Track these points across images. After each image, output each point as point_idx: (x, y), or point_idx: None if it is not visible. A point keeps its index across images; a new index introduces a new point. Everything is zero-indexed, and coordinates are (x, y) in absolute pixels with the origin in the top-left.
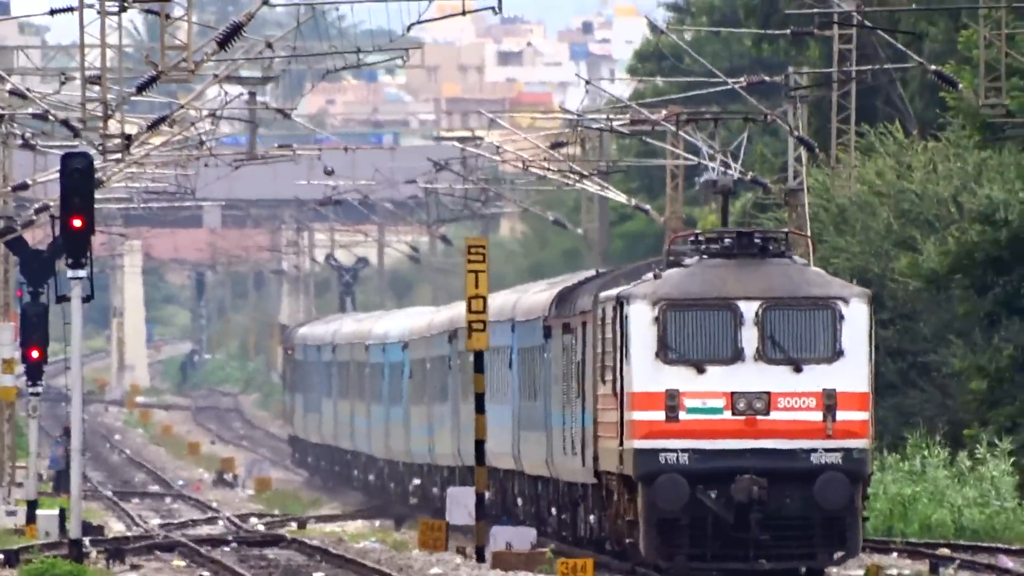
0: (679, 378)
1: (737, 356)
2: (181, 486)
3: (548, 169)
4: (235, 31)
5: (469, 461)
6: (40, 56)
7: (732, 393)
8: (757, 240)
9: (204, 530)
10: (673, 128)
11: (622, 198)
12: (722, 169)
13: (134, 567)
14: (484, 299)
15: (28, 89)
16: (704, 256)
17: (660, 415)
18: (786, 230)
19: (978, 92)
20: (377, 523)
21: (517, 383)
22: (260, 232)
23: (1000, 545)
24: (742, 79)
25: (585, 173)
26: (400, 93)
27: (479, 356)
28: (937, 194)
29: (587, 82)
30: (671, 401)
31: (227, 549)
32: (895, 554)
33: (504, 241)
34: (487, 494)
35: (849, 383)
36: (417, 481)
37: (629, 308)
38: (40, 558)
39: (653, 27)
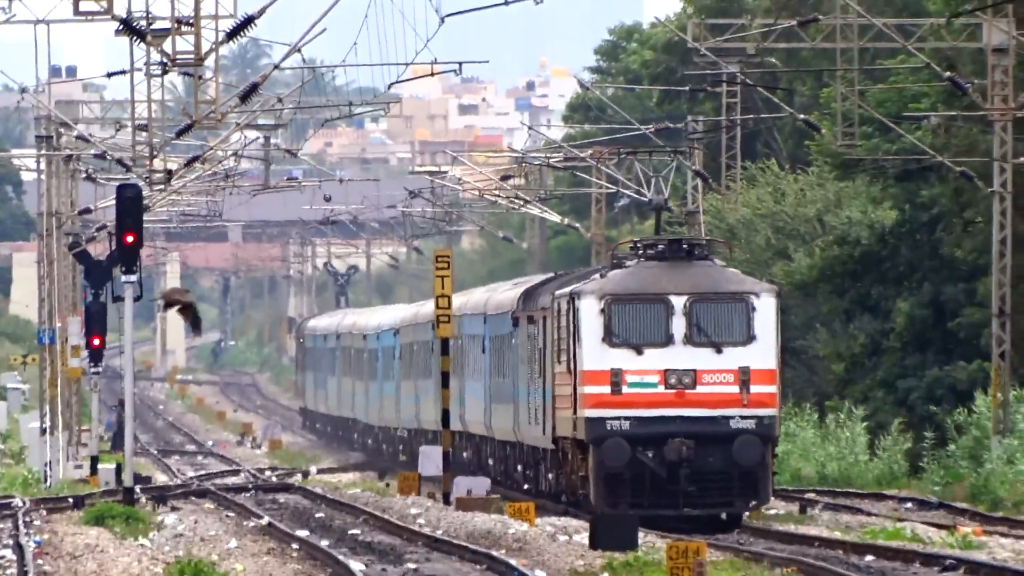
0: (621, 359)
1: (669, 340)
2: (211, 445)
3: (499, 196)
4: (253, 89)
5: (453, 425)
6: (99, 109)
7: (665, 371)
8: (685, 246)
9: (229, 480)
10: (596, 164)
11: (557, 218)
12: (656, 193)
13: (174, 509)
14: (449, 298)
15: (90, 135)
16: (642, 259)
17: (606, 389)
18: (708, 238)
19: (836, 136)
20: (364, 475)
21: (489, 364)
22: (273, 246)
23: (853, 490)
24: (651, 126)
25: (528, 199)
26: (382, 137)
27: (445, 342)
28: (805, 215)
29: (529, 128)
30: (615, 378)
31: (246, 495)
32: (772, 499)
33: (465, 252)
34: (466, 454)
35: (760, 362)
36: (404, 435)
37: (580, 302)
38: (101, 502)
39: (582, 85)
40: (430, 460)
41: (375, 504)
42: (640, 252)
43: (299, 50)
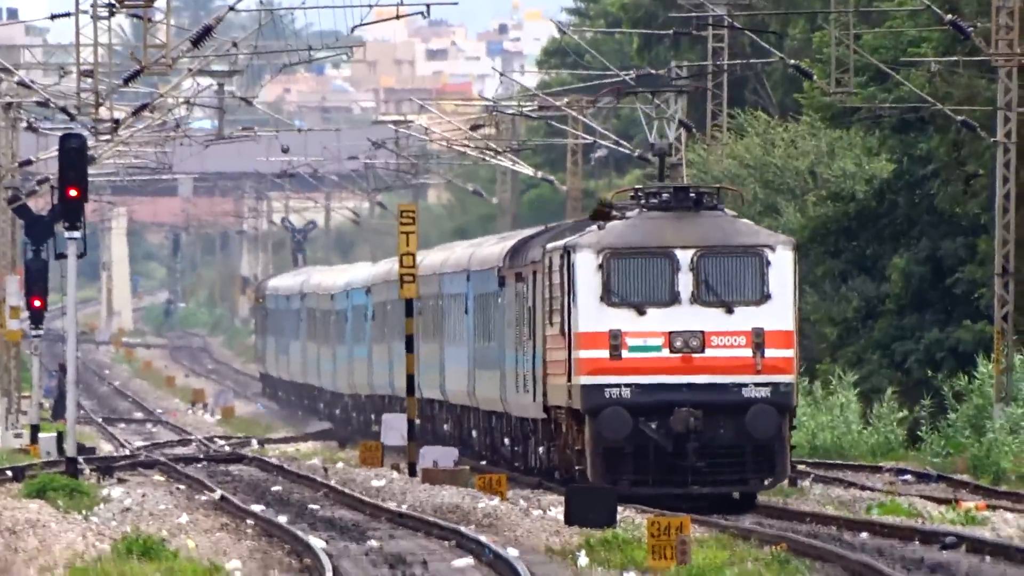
0: (621, 319)
1: (674, 299)
2: (160, 413)
3: (468, 147)
4: (206, 32)
5: (428, 393)
6: (42, 53)
7: (670, 333)
8: (692, 194)
9: (179, 450)
10: (574, 113)
11: (530, 171)
12: (659, 136)
13: (121, 481)
14: (413, 255)
15: (32, 81)
16: (644, 209)
17: (605, 353)
18: (718, 185)
19: (829, 83)
20: (325, 444)
21: (472, 327)
22: (226, 200)
23: (847, 462)
24: (632, 72)
25: (499, 150)
26: (344, 84)
27: (409, 303)
28: (796, 167)
29: (501, 74)
30: (614, 340)
31: (198, 466)
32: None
33: (431, 207)
34: (447, 427)
35: (776, 323)
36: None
37: (576, 256)
38: (42, 474)
39: (559, 28)
40: (393, 429)
41: (337, 476)
42: (642, 201)
43: None
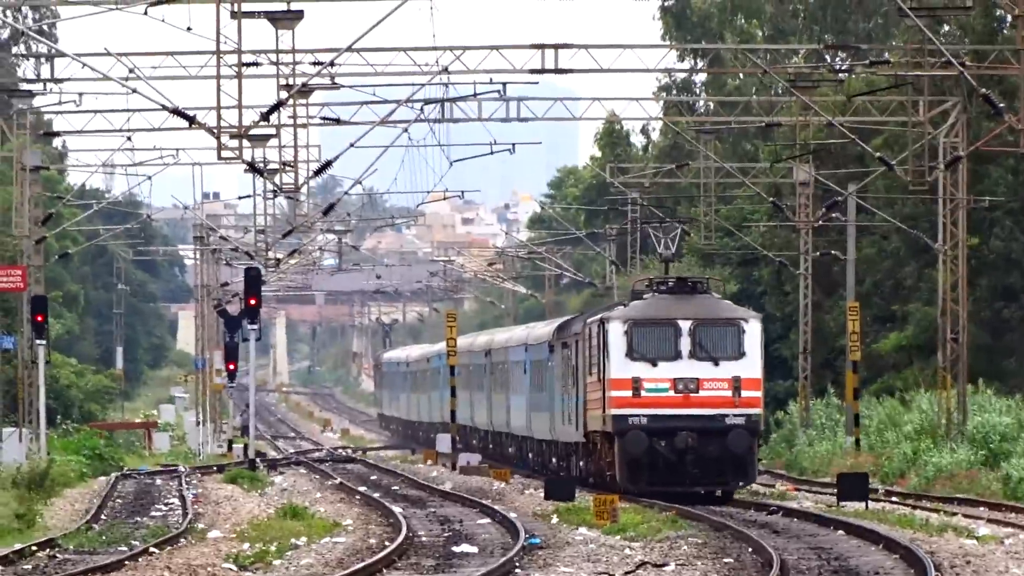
0: (641, 369)
1: (678, 355)
2: (304, 433)
3: (487, 276)
4: (331, 207)
5: (498, 427)
6: (234, 219)
7: (675, 379)
8: (690, 283)
9: (315, 455)
10: (549, 256)
11: (524, 291)
12: (665, 248)
13: (281, 473)
14: (455, 340)
15: (228, 236)
16: (656, 292)
17: (629, 393)
18: (707, 276)
19: (701, 238)
20: (402, 452)
21: (530, 382)
22: (343, 307)
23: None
24: (583, 231)
25: (505, 278)
26: (413, 238)
27: (452, 368)
28: None
29: (507, 233)
30: (636, 384)
31: (326, 464)
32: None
33: (465, 312)
34: (511, 449)
35: (749, 372)
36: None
37: (609, 325)
38: (234, 469)
39: (541, 205)
40: (443, 442)
41: (408, 469)
42: (654, 288)
43: (360, 183)
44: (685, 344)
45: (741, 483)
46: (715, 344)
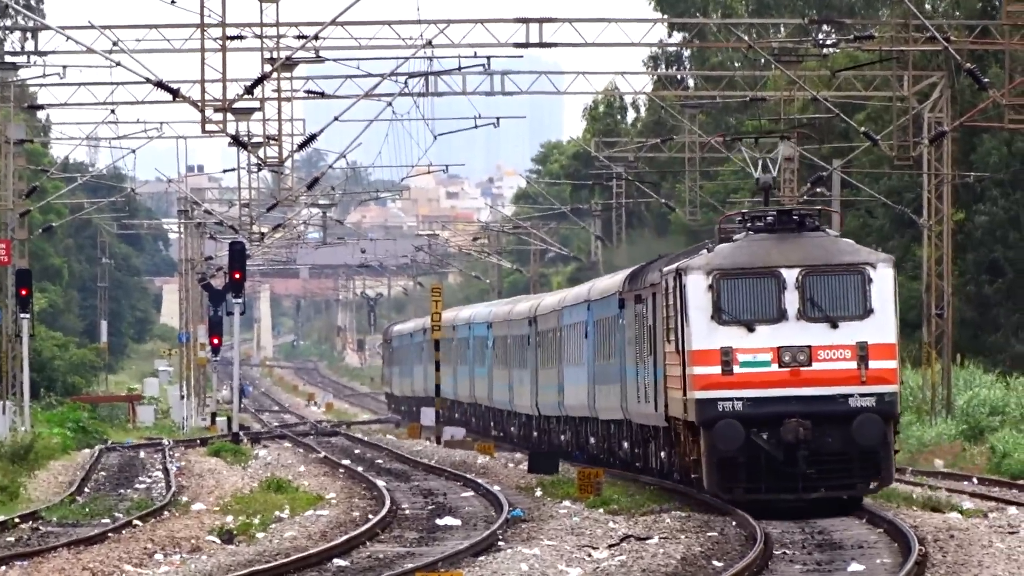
0: (732, 337)
1: (782, 316)
2: (287, 407)
3: (472, 250)
4: (315, 181)
5: (545, 411)
6: (218, 192)
7: (778, 348)
8: (795, 216)
9: (299, 428)
10: (533, 231)
11: (508, 264)
12: (763, 171)
13: (264, 446)
14: (440, 315)
15: (212, 210)
16: (750, 232)
17: (717, 369)
18: (819, 207)
19: (685, 213)
20: (385, 426)
21: (593, 349)
22: (328, 281)
23: None
24: (568, 206)
25: (490, 252)
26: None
27: (437, 342)
28: None
29: (491, 207)
30: (726, 357)
31: (310, 438)
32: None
33: (450, 285)
34: (563, 436)
35: (879, 336)
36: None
37: (687, 278)
38: (217, 442)
39: (526, 180)
40: (428, 416)
41: (392, 443)
42: (748, 225)
43: (344, 156)
44: (792, 300)
45: (874, 485)
46: (833, 299)
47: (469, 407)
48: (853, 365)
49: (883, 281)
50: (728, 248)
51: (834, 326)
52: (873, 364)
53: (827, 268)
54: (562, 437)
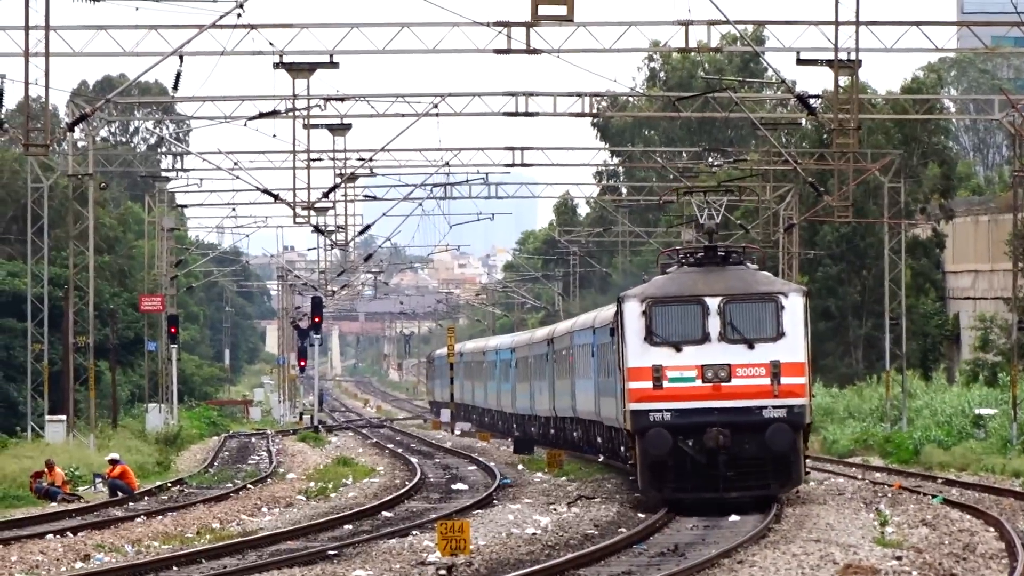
0: (662, 356)
1: (705, 338)
2: (350, 408)
3: (475, 303)
4: (369, 256)
5: (562, 412)
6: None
7: (702, 366)
8: (720, 252)
9: (358, 423)
10: (518, 291)
11: (499, 312)
12: (708, 219)
13: (335, 435)
14: (453, 348)
15: (300, 276)
16: (683, 265)
17: (649, 384)
18: (743, 244)
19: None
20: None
21: (597, 365)
22: (378, 324)
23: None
24: (540, 273)
25: (487, 304)
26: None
27: (451, 366)
28: None
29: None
30: (656, 373)
31: (366, 430)
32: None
33: (461, 326)
34: (576, 434)
35: (790, 355)
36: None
37: (624, 305)
38: (303, 432)
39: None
40: (444, 414)
41: (421, 433)
42: (681, 259)
43: (389, 239)
44: (714, 324)
45: (785, 487)
46: (750, 324)
47: (496, 413)
48: (767, 381)
49: (794, 308)
50: (662, 279)
51: (751, 347)
52: (784, 380)
53: (745, 296)
54: (574, 435)
